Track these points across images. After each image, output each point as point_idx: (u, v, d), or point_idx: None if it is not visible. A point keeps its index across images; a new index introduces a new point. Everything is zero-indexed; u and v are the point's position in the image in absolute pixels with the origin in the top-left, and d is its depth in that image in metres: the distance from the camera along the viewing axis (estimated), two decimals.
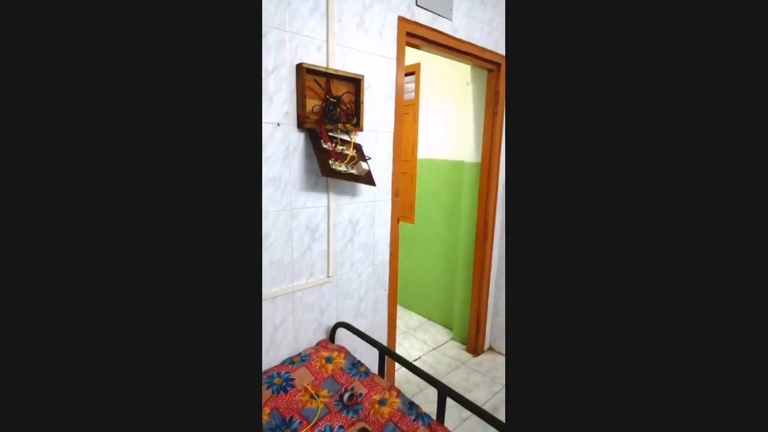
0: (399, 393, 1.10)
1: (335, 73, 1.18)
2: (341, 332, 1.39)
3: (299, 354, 1.24)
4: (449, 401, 1.02)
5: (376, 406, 1.05)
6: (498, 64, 1.90)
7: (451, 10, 1.56)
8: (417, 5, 1.43)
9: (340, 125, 1.21)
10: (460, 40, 1.63)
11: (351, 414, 1.03)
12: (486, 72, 1.98)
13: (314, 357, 1.23)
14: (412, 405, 1.05)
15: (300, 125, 1.15)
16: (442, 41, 1.55)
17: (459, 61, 1.79)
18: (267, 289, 1.18)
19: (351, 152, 1.22)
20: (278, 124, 1.11)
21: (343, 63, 1.24)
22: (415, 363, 1.77)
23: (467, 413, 1.61)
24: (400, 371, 1.91)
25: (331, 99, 1.19)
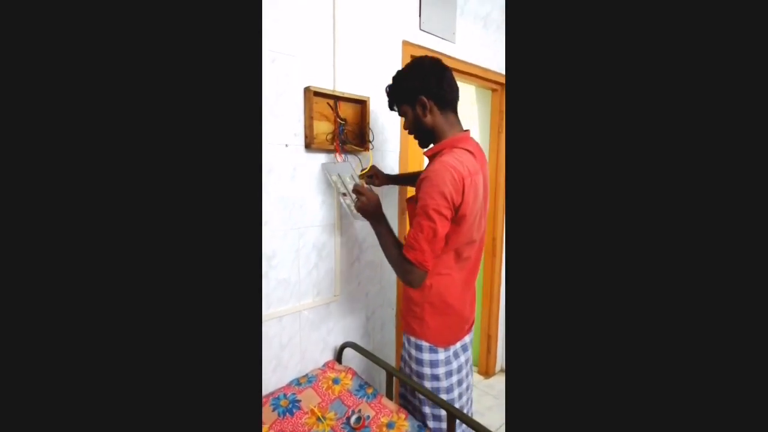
0: (408, 416, 1.07)
1: (341, 95, 1.22)
2: (348, 352, 1.37)
3: (306, 375, 1.23)
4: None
5: (384, 429, 1.03)
6: (501, 84, 1.93)
7: (454, 33, 1.61)
8: (421, 29, 1.48)
9: (347, 146, 1.24)
10: (463, 62, 1.66)
11: None
12: (490, 92, 2.02)
13: (321, 378, 1.21)
14: (421, 429, 1.02)
15: (307, 146, 1.18)
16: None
17: (463, 82, 1.83)
18: (274, 308, 1.18)
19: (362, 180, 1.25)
20: (286, 145, 1.14)
21: (349, 86, 1.28)
22: None
23: None
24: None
25: (340, 121, 1.22)
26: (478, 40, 1.75)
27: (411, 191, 1.42)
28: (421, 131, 1.03)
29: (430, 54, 1.51)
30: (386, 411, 1.09)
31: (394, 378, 1.23)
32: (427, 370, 1.05)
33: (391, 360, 1.59)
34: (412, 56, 1.46)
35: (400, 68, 1.05)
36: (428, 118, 0.99)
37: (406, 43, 1.43)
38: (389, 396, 1.23)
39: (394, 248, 1.01)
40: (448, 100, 1.00)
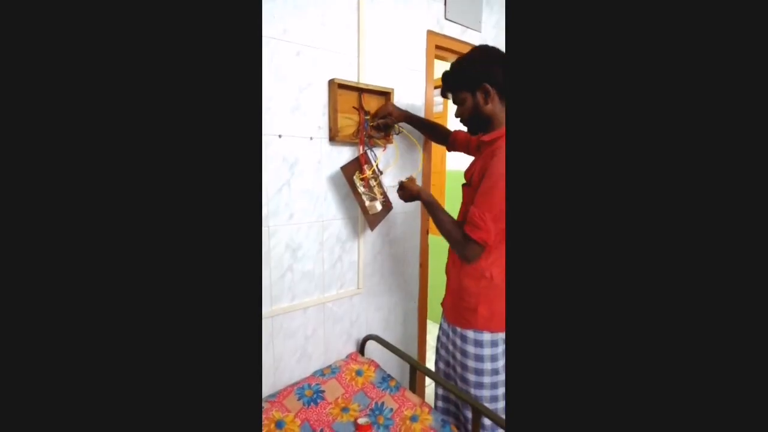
0: (431, 409, 1.07)
1: (366, 87, 1.21)
2: (371, 345, 1.37)
3: (329, 366, 1.24)
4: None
5: (408, 422, 1.03)
6: None
7: (480, 22, 1.57)
8: (446, 18, 1.45)
9: (371, 139, 1.24)
10: None
11: (382, 429, 1.01)
12: None
13: (344, 369, 1.22)
14: (445, 423, 1.02)
15: (332, 139, 1.18)
16: None
17: None
18: (299, 299, 1.20)
19: (377, 187, 1.26)
20: (311, 138, 1.15)
21: (373, 77, 1.27)
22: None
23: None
24: (429, 387, 1.86)
25: (365, 113, 1.22)
26: (505, 29, 1.69)
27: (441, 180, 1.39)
28: (479, 119, 1.02)
29: (454, 43, 1.48)
30: (410, 404, 1.09)
31: (417, 371, 1.23)
32: (488, 365, 1.02)
33: (413, 353, 1.60)
34: (436, 46, 1.44)
35: (461, 55, 1.04)
36: (488, 106, 0.99)
37: (430, 33, 1.41)
38: (412, 389, 1.24)
39: (453, 226, 1.01)
40: None
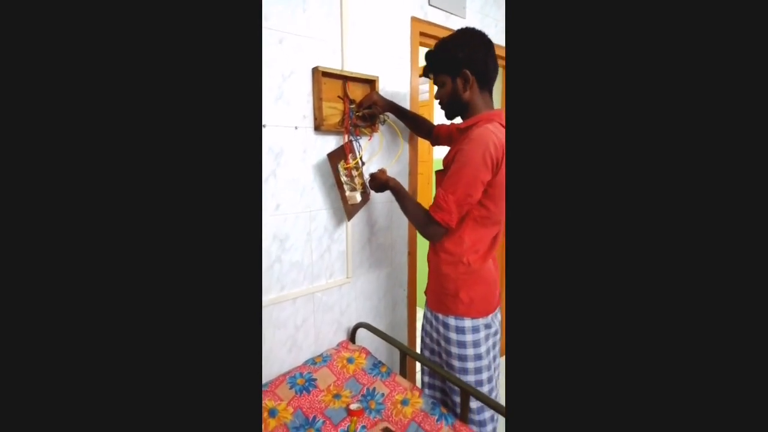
0: (421, 393, 1.09)
1: (350, 75, 1.20)
2: (361, 333, 1.39)
3: (321, 354, 1.25)
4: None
5: (399, 406, 1.05)
6: None
7: (464, 8, 1.56)
8: (430, 5, 1.43)
9: (357, 128, 1.23)
10: None
11: (374, 414, 1.03)
12: (501, 69, 1.96)
13: (336, 357, 1.24)
14: (435, 405, 1.04)
15: (317, 128, 1.17)
16: None
17: None
18: (288, 290, 1.20)
19: (358, 177, 1.26)
20: (296, 128, 1.13)
21: (357, 65, 1.26)
22: None
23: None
24: (420, 373, 1.90)
25: (350, 102, 1.20)
26: (489, 15, 1.69)
27: (424, 166, 1.39)
28: (455, 104, 1.03)
29: (438, 30, 1.47)
30: (400, 389, 1.11)
31: (407, 356, 1.25)
32: (470, 351, 1.05)
33: (404, 339, 1.62)
34: (421, 33, 1.43)
35: (444, 37, 1.04)
36: (467, 93, 0.99)
37: (415, 20, 1.39)
38: (403, 374, 1.26)
39: (416, 208, 1.05)
40: (489, 78, 1.00)
